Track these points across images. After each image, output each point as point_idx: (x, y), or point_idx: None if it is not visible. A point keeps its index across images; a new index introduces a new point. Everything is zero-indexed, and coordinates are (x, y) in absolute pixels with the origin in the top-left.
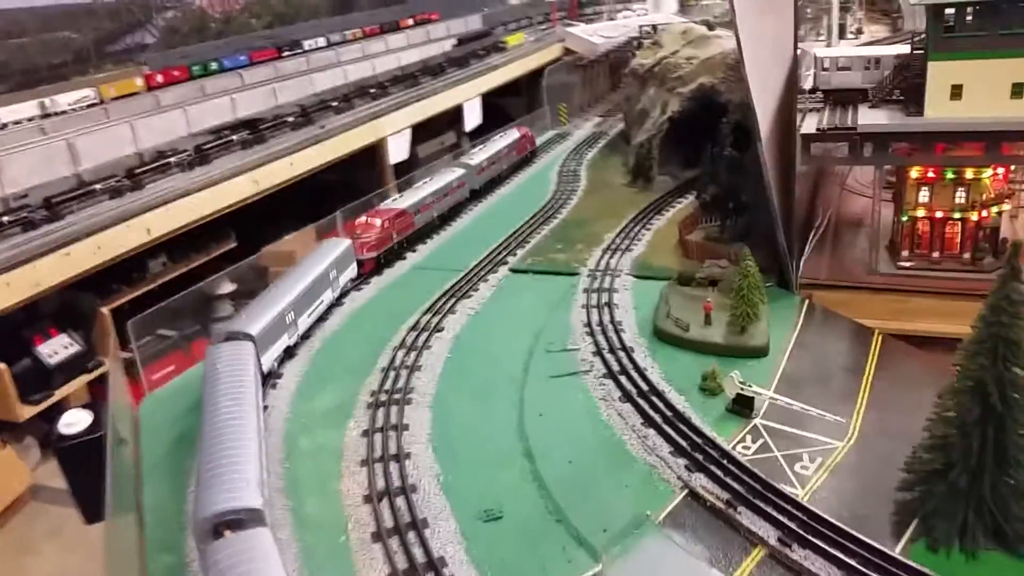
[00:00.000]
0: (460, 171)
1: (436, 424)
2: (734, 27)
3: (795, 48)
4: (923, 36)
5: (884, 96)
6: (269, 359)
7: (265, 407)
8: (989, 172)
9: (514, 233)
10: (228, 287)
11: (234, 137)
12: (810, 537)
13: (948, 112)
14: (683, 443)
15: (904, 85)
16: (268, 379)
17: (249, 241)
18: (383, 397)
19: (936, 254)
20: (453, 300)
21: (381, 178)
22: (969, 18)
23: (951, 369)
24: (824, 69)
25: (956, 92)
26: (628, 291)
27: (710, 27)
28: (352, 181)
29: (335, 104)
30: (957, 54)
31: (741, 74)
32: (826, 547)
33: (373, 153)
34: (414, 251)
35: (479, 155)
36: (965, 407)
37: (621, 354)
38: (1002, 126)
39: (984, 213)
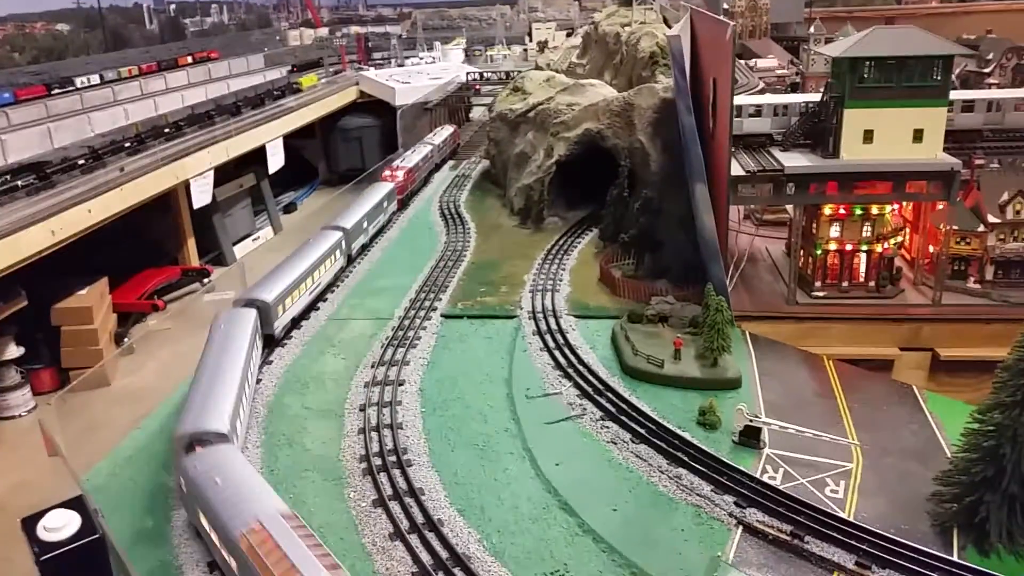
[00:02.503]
0: (430, 146)
1: (450, 488)
2: (675, 80)
3: (732, 98)
4: (835, 86)
5: (794, 141)
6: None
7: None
8: (890, 208)
9: (428, 278)
10: (14, 351)
11: (19, 183)
12: (887, 557)
13: (861, 154)
14: (722, 479)
15: (811, 130)
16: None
17: (40, 298)
18: (377, 461)
19: (845, 283)
20: (402, 351)
21: (176, 224)
22: (879, 71)
23: (904, 386)
24: (737, 115)
25: (868, 136)
26: (576, 331)
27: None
28: (142, 229)
29: (128, 145)
30: (869, 102)
31: (631, 122)
32: (905, 564)
33: (167, 198)
34: (324, 300)
35: (436, 139)
36: (1016, 419)
37: (610, 395)
38: (907, 167)
39: (885, 245)
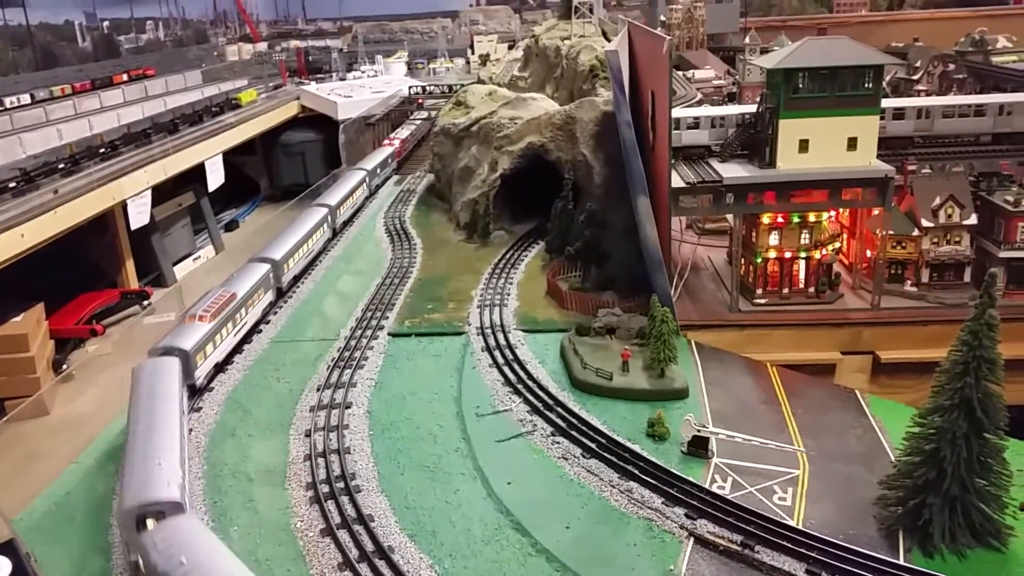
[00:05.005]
0: (412, 127)
1: (401, 512)
2: (614, 94)
3: (670, 111)
4: (770, 97)
5: (731, 152)
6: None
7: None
8: (827, 215)
9: (374, 296)
10: None
11: None
12: (837, 564)
13: (797, 163)
14: (672, 491)
15: (748, 141)
16: None
17: None
18: (324, 488)
19: (786, 290)
20: (348, 372)
21: (114, 246)
22: (812, 82)
23: (847, 391)
24: (676, 128)
25: (803, 146)
26: (525, 346)
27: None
28: (79, 251)
29: (62, 166)
30: (804, 112)
31: (574, 135)
32: (854, 569)
33: (103, 220)
34: (267, 322)
35: (403, 132)
36: (955, 422)
37: (560, 410)
38: (842, 175)
39: (824, 251)
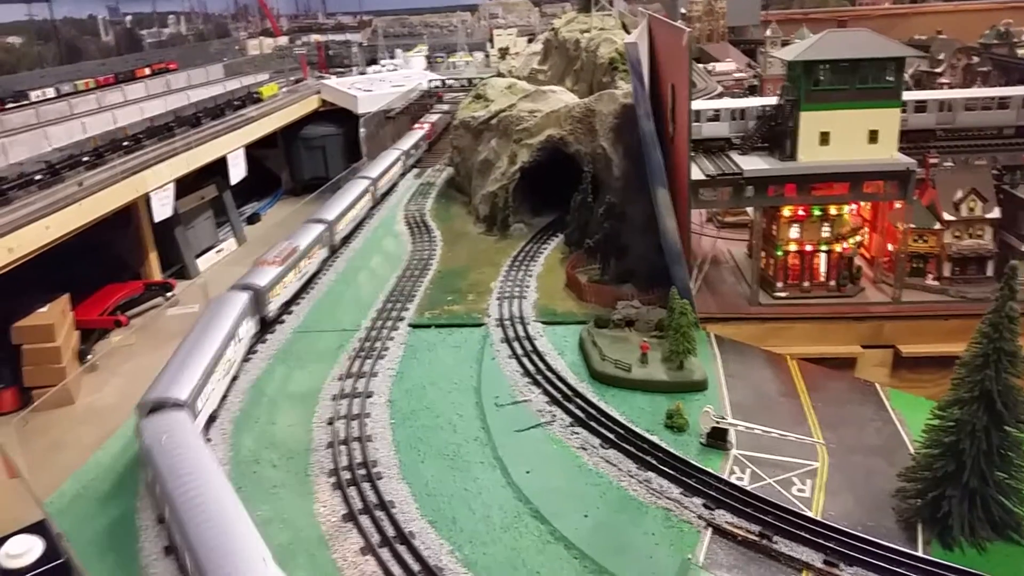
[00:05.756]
0: (436, 116)
1: (421, 499)
2: (633, 87)
3: (690, 103)
4: (791, 89)
5: (752, 144)
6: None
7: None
8: (848, 209)
9: (394, 287)
10: None
11: None
12: (856, 555)
13: (818, 156)
14: (690, 482)
15: (769, 134)
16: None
17: (1, 318)
18: (346, 475)
19: (807, 283)
20: (370, 362)
21: (138, 238)
22: (834, 74)
23: (867, 384)
24: (696, 120)
25: (825, 138)
26: (544, 338)
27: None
28: (103, 244)
29: (86, 159)
30: (825, 105)
31: (593, 128)
32: (872, 561)
33: (127, 212)
34: (290, 312)
35: (432, 117)
36: (974, 414)
37: (578, 401)
38: (863, 168)
39: (845, 245)
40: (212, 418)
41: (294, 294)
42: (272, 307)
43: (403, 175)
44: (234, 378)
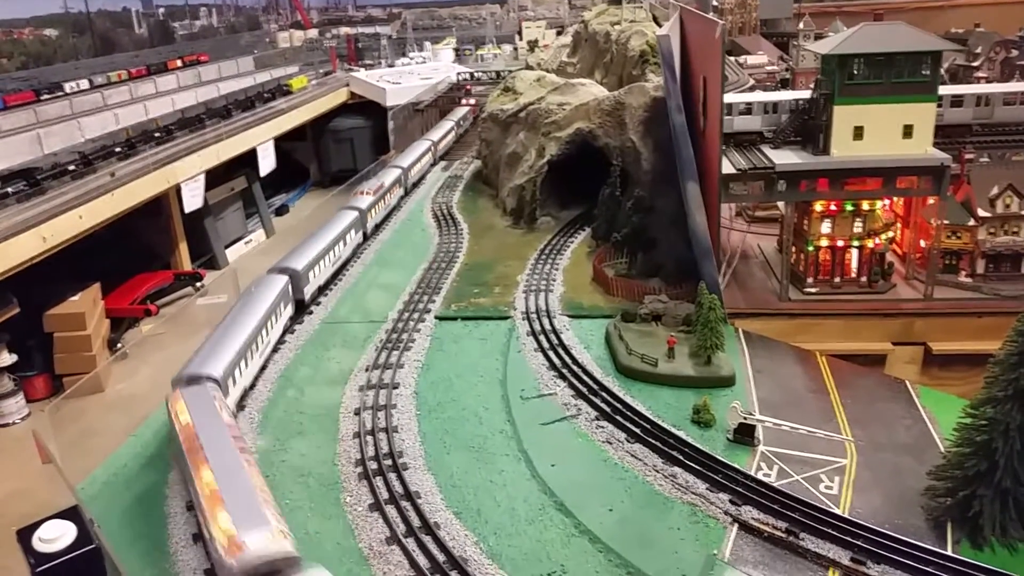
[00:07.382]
0: (465, 109)
1: (447, 491)
2: (664, 80)
3: (722, 97)
4: (824, 83)
5: (784, 138)
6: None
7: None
8: (881, 204)
9: (421, 279)
10: (7, 359)
11: (9, 189)
12: (883, 553)
13: (851, 151)
14: (717, 477)
15: (801, 128)
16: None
17: (33, 305)
18: (372, 465)
19: (837, 279)
20: (396, 353)
21: (169, 228)
22: (868, 68)
23: (898, 381)
24: (728, 113)
25: (858, 133)
26: (570, 331)
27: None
28: (134, 233)
29: (118, 150)
30: (859, 99)
31: (622, 121)
32: (900, 559)
33: (158, 203)
34: (318, 303)
35: (460, 111)
36: (1008, 413)
37: (604, 395)
38: (897, 163)
39: (876, 240)
40: (241, 407)
41: (326, 280)
42: (308, 290)
43: (456, 143)
44: (263, 367)
